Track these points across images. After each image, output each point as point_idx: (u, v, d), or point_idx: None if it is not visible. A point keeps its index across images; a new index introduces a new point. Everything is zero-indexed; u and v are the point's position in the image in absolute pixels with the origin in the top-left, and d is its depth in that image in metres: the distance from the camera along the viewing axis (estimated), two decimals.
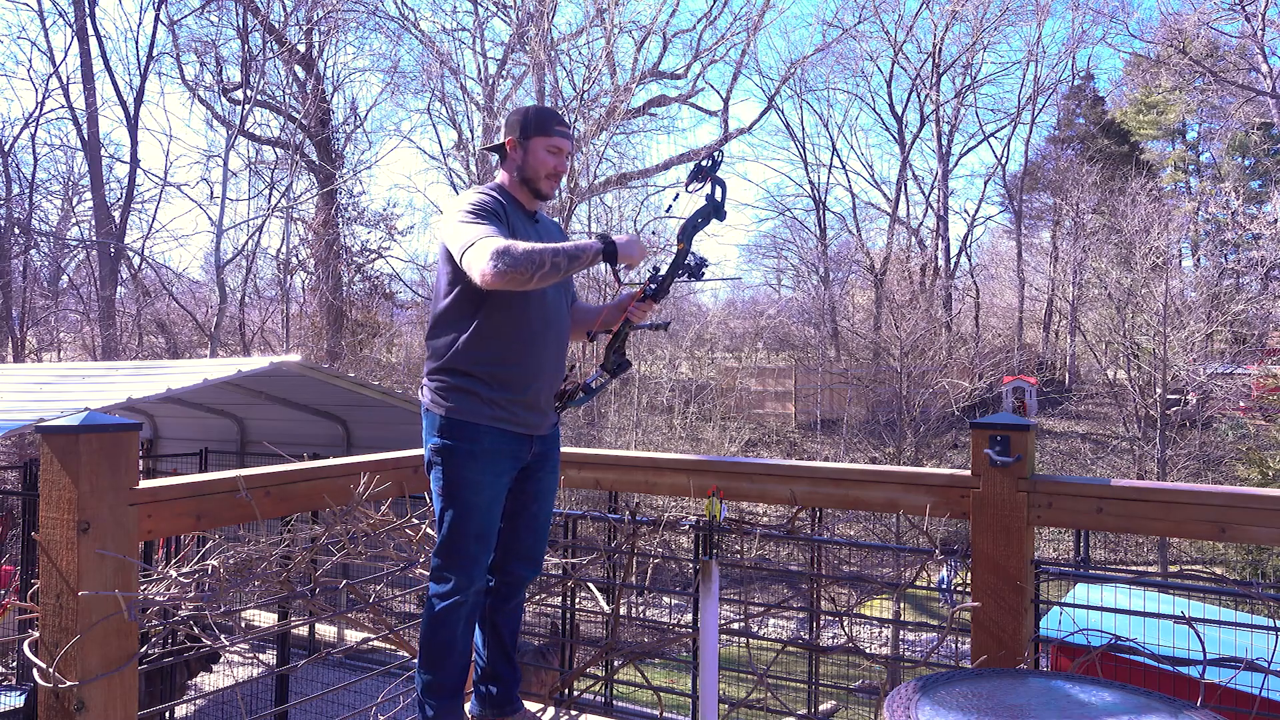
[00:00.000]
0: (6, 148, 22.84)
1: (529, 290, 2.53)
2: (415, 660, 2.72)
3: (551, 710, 3.16)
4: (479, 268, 2.36)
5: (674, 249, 2.68)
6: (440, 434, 2.57)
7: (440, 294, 2.63)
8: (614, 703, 3.94)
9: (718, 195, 2.67)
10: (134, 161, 22.70)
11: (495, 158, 2.81)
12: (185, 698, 6.76)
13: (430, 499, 2.66)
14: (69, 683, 2.14)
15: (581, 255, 2.51)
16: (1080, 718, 1.76)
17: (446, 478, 2.57)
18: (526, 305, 2.63)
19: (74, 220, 26.50)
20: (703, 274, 2.68)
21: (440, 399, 2.59)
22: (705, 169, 2.66)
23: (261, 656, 8.23)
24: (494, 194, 2.63)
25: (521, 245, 2.40)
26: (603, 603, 3.52)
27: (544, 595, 4.07)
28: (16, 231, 23.19)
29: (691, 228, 2.66)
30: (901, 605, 15.08)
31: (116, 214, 22.74)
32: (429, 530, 3.18)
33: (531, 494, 2.73)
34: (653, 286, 2.71)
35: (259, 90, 21.66)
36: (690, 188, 2.67)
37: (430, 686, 2.61)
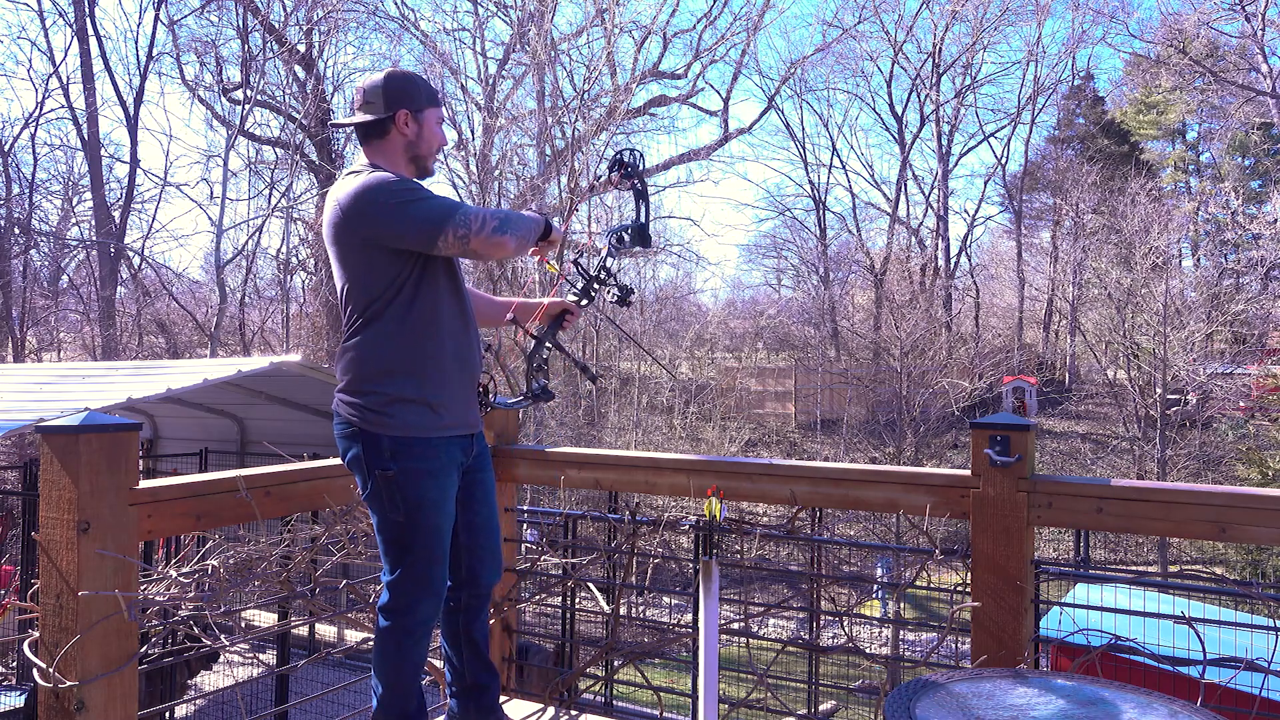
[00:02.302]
0: (6, 148, 22.86)
1: (455, 269, 2.43)
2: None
3: (551, 710, 3.16)
4: (480, 238, 2.22)
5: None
6: (390, 457, 2.31)
7: (368, 291, 2.32)
8: (614, 703, 3.94)
9: (643, 215, 2.62)
10: (134, 161, 22.74)
11: (342, 135, 2.61)
12: (185, 698, 6.76)
13: (376, 529, 2.43)
14: (69, 683, 2.14)
15: (538, 228, 2.42)
16: (1080, 718, 1.76)
17: (404, 504, 2.33)
18: (456, 286, 2.44)
19: (74, 220, 26.53)
20: (629, 301, 2.66)
21: (383, 416, 2.31)
22: (623, 162, 2.62)
23: (261, 656, 8.23)
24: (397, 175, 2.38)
25: (512, 212, 2.30)
26: (603, 603, 3.52)
27: (544, 595, 4.07)
28: (16, 231, 23.20)
29: (619, 243, 2.61)
30: (901, 605, 15.08)
31: (116, 214, 22.75)
32: None
33: (480, 498, 2.57)
34: (582, 300, 2.64)
35: (259, 90, 21.66)
36: (614, 180, 2.64)
37: (398, 713, 2.45)
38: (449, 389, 2.40)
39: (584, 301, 2.66)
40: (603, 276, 2.63)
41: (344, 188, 2.33)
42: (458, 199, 2.35)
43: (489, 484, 2.63)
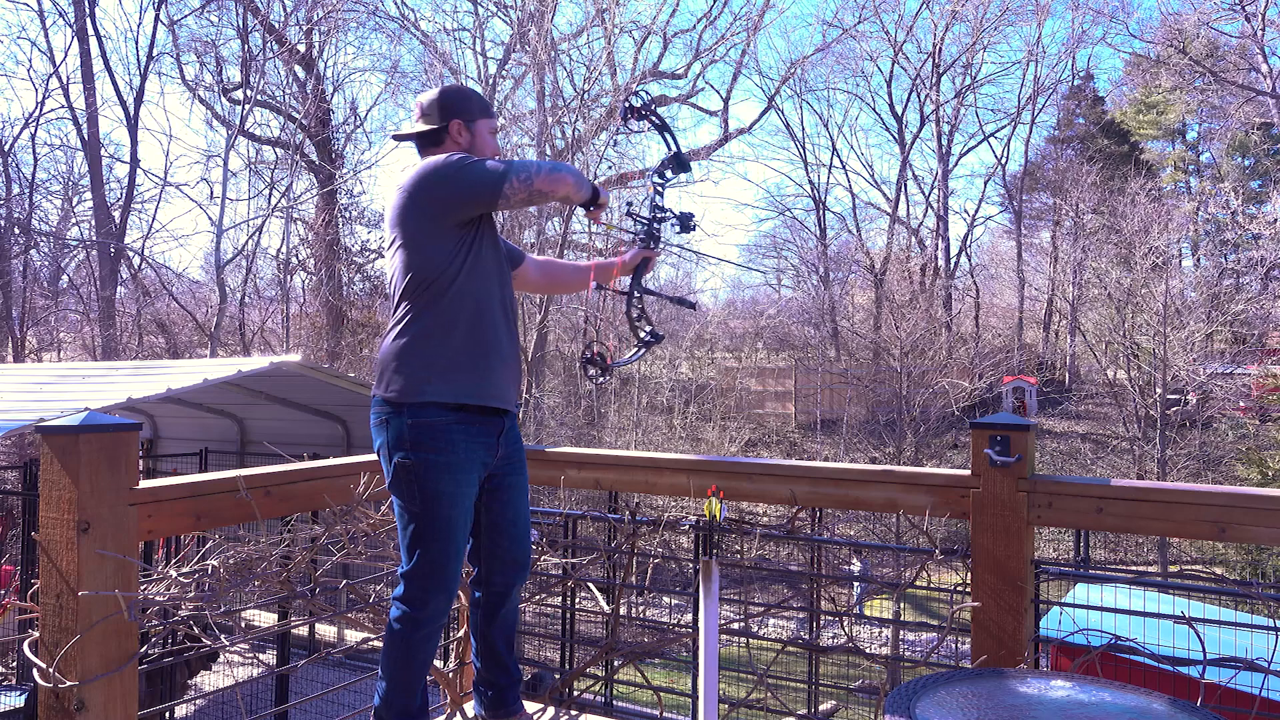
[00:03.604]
0: (6, 148, 22.84)
1: (501, 259, 2.57)
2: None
3: (551, 710, 3.16)
4: (542, 176, 2.37)
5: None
6: (411, 447, 2.39)
7: (422, 271, 2.41)
8: (614, 703, 3.94)
9: (672, 145, 2.74)
10: (134, 161, 22.71)
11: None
12: (185, 698, 6.76)
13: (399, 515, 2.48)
14: (69, 683, 2.14)
15: (587, 182, 2.57)
16: (1080, 718, 1.75)
17: (421, 494, 2.40)
18: (501, 276, 2.57)
19: (74, 220, 26.51)
20: (691, 225, 2.77)
21: (410, 383, 2.39)
22: (633, 108, 2.71)
23: (261, 656, 8.23)
24: None
25: (558, 161, 2.45)
26: (603, 603, 3.52)
27: (544, 595, 4.07)
28: (16, 231, 23.19)
29: (662, 179, 2.74)
30: (901, 605, 15.07)
31: (116, 214, 22.73)
32: None
33: (505, 500, 2.61)
34: (650, 243, 2.76)
35: (259, 90, 21.65)
36: (631, 125, 2.75)
37: (400, 710, 2.48)
38: (480, 367, 2.46)
39: (653, 244, 2.80)
40: (659, 216, 2.76)
41: (405, 176, 2.49)
42: None
43: (517, 487, 2.65)
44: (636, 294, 2.79)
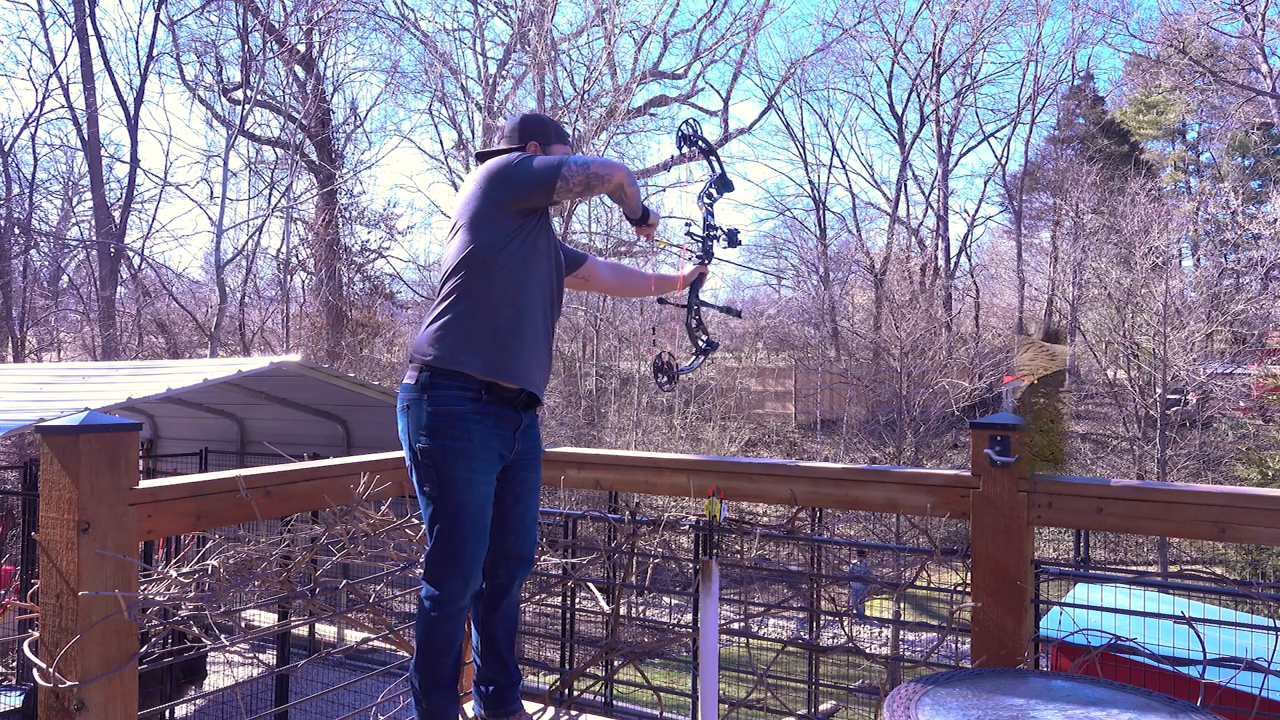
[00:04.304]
0: (6, 148, 22.82)
1: (558, 263, 2.76)
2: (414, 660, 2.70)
3: (551, 710, 3.16)
4: (598, 164, 2.56)
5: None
6: (428, 433, 2.49)
7: (477, 251, 2.53)
8: (614, 703, 3.94)
9: (717, 167, 2.98)
10: (134, 161, 22.70)
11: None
12: (185, 697, 6.76)
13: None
14: (69, 683, 2.14)
15: (637, 188, 2.76)
16: (1080, 718, 1.75)
17: (436, 479, 2.50)
18: (552, 276, 2.74)
19: (74, 220, 26.50)
20: (738, 240, 3.03)
21: (442, 349, 2.49)
22: (685, 135, 2.93)
23: (261, 656, 8.23)
24: None
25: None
26: (603, 603, 3.51)
27: (544, 595, 4.07)
28: (16, 231, 23.18)
29: (710, 199, 2.96)
30: (901, 605, 15.07)
31: (116, 214, 22.73)
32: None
33: (516, 495, 2.67)
34: (706, 260, 3.01)
35: (259, 90, 21.65)
36: (684, 152, 2.94)
37: (428, 689, 2.57)
38: (515, 351, 2.55)
39: (708, 261, 3.04)
40: (711, 234, 3.01)
41: (481, 169, 2.67)
42: None
43: (529, 483, 2.72)
44: (695, 306, 3.02)
